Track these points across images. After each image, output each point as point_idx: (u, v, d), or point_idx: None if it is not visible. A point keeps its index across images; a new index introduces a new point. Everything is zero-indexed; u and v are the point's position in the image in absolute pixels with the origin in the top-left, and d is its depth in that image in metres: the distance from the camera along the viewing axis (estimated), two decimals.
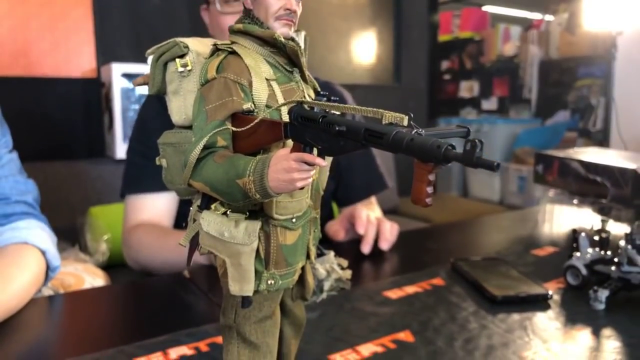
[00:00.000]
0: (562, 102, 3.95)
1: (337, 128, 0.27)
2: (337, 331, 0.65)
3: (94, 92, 2.30)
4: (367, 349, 0.60)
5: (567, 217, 1.16)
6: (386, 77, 3.17)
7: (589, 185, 1.07)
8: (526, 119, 4.15)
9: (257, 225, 0.31)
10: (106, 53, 2.29)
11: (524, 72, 4.17)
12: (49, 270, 0.85)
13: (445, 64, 4.86)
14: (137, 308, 0.78)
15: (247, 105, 0.30)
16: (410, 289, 0.78)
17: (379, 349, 0.60)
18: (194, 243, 0.33)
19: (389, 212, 2.81)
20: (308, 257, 0.37)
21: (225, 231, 0.31)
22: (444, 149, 0.25)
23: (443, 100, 4.73)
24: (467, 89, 4.71)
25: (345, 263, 0.43)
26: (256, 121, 0.29)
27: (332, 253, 0.43)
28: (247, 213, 0.32)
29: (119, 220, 1.94)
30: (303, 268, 0.38)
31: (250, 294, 0.32)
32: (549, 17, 4.08)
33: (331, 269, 0.42)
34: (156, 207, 1.06)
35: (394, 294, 0.76)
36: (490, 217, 1.50)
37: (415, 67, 3.21)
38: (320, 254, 0.43)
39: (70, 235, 1.96)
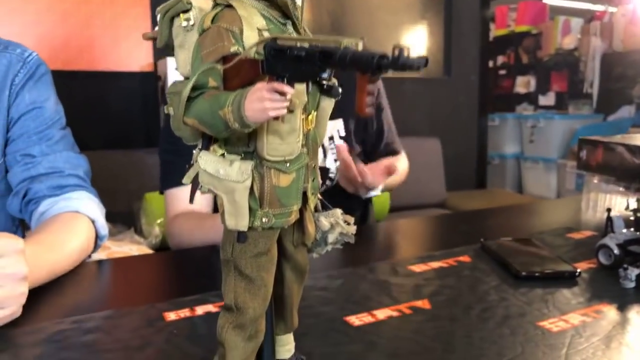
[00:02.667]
0: (626, 96, 3.76)
1: (295, 53, 0.31)
2: (357, 297, 0.67)
3: (150, 85, 2.41)
4: (384, 313, 0.62)
5: (609, 203, 1.12)
6: (436, 71, 3.13)
7: (634, 170, 1.03)
8: (586, 115, 3.98)
9: (249, 164, 0.34)
10: (162, 48, 2.40)
11: (585, 66, 4.00)
12: (97, 239, 0.92)
13: (500, 59, 4.74)
14: (172, 273, 0.83)
15: (234, 48, 0.33)
16: (435, 264, 0.79)
17: (395, 314, 0.62)
18: (196, 183, 0.36)
19: (437, 206, 2.78)
20: (306, 203, 0.40)
21: (220, 169, 0.34)
22: (376, 58, 0.28)
23: (498, 95, 4.61)
24: (524, 84, 4.57)
25: (351, 220, 0.45)
26: (237, 59, 0.32)
27: (339, 210, 0.46)
28: (242, 155, 0.35)
29: None
30: (303, 215, 0.40)
31: (245, 229, 0.35)
32: (612, 9, 3.90)
33: (335, 223, 0.44)
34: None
35: (418, 268, 0.78)
36: (530, 204, 1.47)
37: (466, 61, 3.15)
38: (325, 208, 0.45)
39: (126, 219, 2.08)
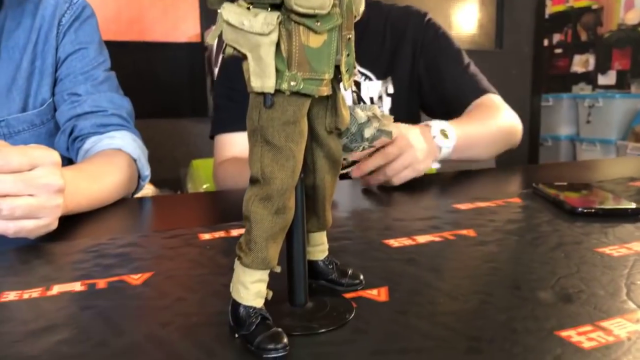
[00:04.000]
0: None
1: None
2: (397, 225, 0.64)
3: (198, 55, 2.44)
4: (425, 238, 0.58)
5: None
6: (487, 43, 3.01)
7: None
8: None
9: (275, 15, 0.32)
10: (209, 18, 2.43)
11: None
12: (140, 179, 0.93)
13: (556, 37, 4.52)
14: (212, 209, 0.82)
15: None
16: (482, 204, 0.75)
17: (437, 239, 0.58)
18: (220, 45, 0.34)
19: None
20: (339, 83, 0.37)
21: (244, 20, 0.32)
22: None
23: (553, 76, 4.40)
24: (581, 63, 4.34)
25: (390, 119, 0.42)
26: None
27: (376, 106, 0.43)
28: (269, 8, 0.32)
29: None
30: (336, 97, 0.37)
31: (272, 90, 0.33)
32: None
33: (373, 116, 0.41)
34: (241, 144, 1.13)
35: (464, 206, 0.74)
36: (588, 161, 1.38)
37: (519, 33, 3.02)
38: (361, 101, 0.42)
39: (174, 184, 2.12)
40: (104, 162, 0.82)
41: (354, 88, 0.40)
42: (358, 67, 1.17)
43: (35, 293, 0.45)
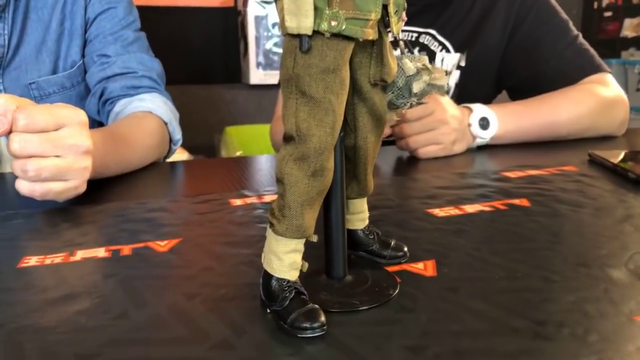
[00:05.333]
0: None
1: None
2: (441, 193, 0.59)
3: (231, 20, 2.39)
4: (473, 208, 0.54)
5: None
6: None
7: None
8: None
9: None
10: None
11: None
12: (171, 143, 0.90)
13: (606, 0, 4.26)
14: (247, 175, 0.79)
15: None
16: (534, 172, 0.69)
17: (487, 209, 0.53)
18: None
19: None
20: (387, 27, 0.32)
21: None
22: None
23: (601, 40, 4.16)
24: (632, 27, 4.09)
25: (442, 72, 0.37)
26: None
27: (425, 56, 0.37)
28: None
29: (251, 139, 2.03)
30: (382, 44, 0.33)
31: (309, 32, 0.28)
32: None
33: (423, 67, 0.36)
34: None
35: (513, 174, 0.68)
36: None
37: None
38: (409, 51, 0.37)
39: (207, 151, 2.11)
40: (133, 125, 0.79)
41: (401, 34, 0.35)
42: (437, 36, 1.06)
43: (58, 259, 0.42)
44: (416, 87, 0.37)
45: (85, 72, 0.92)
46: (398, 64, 0.37)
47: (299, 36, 0.29)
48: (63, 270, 0.40)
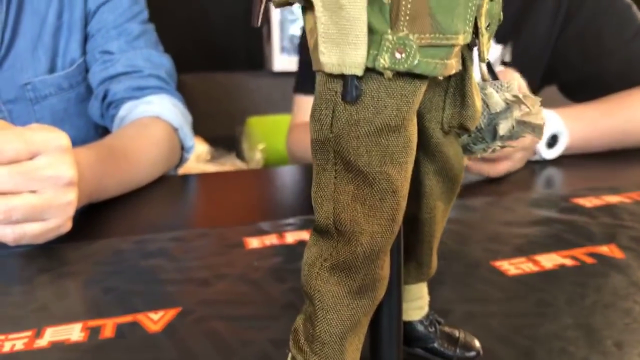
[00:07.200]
0: None
1: None
2: (505, 233, 0.48)
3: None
4: (550, 260, 0.42)
5: None
6: None
7: None
8: None
9: None
10: None
11: None
12: (183, 151, 0.80)
13: None
14: (264, 193, 0.68)
15: None
16: (613, 199, 0.57)
17: (569, 262, 0.42)
18: None
19: None
20: (476, 45, 0.20)
21: None
22: None
23: None
24: None
25: (536, 102, 0.26)
26: None
27: (515, 82, 0.26)
28: None
29: (275, 131, 1.92)
30: (465, 77, 0.22)
31: (360, 71, 0.17)
32: None
33: (515, 99, 0.25)
34: None
35: (588, 202, 0.56)
36: None
37: None
38: (494, 77, 0.26)
39: (228, 143, 2.00)
40: (136, 135, 0.70)
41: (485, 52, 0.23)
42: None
43: (20, 342, 0.33)
44: (504, 127, 0.26)
45: (87, 71, 0.82)
46: (481, 94, 0.26)
47: (341, 77, 0.18)
48: None
